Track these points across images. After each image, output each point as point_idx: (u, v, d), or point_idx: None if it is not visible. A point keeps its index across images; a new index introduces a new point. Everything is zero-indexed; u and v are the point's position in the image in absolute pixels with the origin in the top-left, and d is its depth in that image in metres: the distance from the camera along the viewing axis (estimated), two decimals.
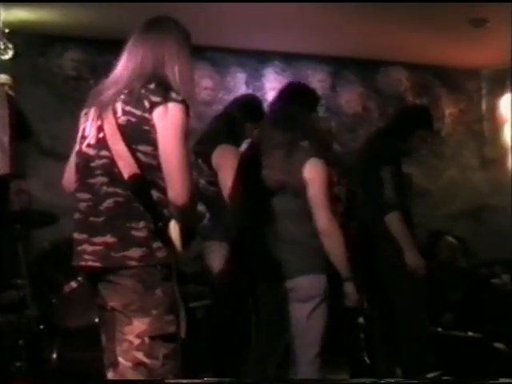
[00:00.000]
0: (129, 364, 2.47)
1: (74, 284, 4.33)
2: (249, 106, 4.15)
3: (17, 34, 4.97)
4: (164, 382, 2.47)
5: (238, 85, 6.25)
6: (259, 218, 3.47)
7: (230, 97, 5.49)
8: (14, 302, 4.39)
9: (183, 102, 2.48)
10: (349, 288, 3.36)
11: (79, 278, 4.29)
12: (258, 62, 6.50)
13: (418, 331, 4.18)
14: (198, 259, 3.76)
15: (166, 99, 2.46)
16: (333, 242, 3.33)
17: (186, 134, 2.48)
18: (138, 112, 2.48)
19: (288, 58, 6.58)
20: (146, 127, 2.48)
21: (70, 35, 5.76)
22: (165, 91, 2.48)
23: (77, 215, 2.56)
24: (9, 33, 4.85)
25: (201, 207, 3.74)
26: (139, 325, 2.45)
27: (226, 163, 3.74)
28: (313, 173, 3.35)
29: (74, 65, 5.89)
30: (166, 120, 2.46)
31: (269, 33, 5.90)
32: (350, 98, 6.85)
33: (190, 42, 2.68)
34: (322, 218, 3.32)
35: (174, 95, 2.47)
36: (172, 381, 2.48)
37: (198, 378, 3.70)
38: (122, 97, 2.53)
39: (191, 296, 4.99)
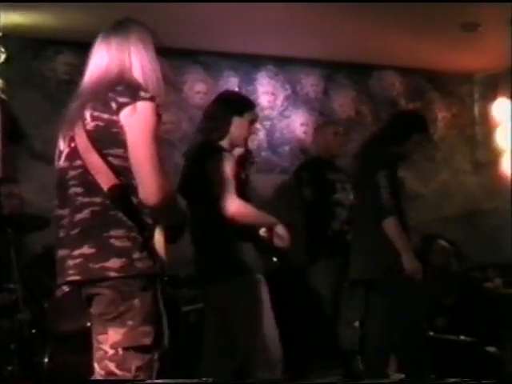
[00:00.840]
0: (102, 372, 2.44)
1: (65, 288, 4.31)
2: None
3: (9, 37, 4.95)
4: (155, 382, 2.45)
5: (231, 89, 6.23)
6: (198, 220, 3.51)
7: None
8: (6, 305, 4.38)
9: (152, 98, 2.40)
10: (279, 230, 3.53)
11: None
12: (251, 66, 6.49)
13: (416, 336, 4.18)
14: (190, 263, 3.75)
15: (134, 99, 2.38)
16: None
17: (156, 131, 2.39)
18: (106, 115, 2.41)
19: (281, 62, 6.57)
20: (115, 129, 2.40)
21: (62, 39, 5.74)
22: (133, 91, 2.40)
23: (61, 233, 2.47)
24: (1, 36, 4.84)
25: None
26: (114, 335, 2.40)
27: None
28: (217, 167, 3.38)
29: (66, 68, 5.86)
30: (134, 118, 2.37)
31: (262, 37, 5.91)
32: (342, 102, 6.85)
33: (156, 41, 2.59)
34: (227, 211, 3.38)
35: (142, 93, 2.39)
36: (160, 381, 2.47)
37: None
38: (90, 104, 2.46)
39: (184, 300, 4.99)
